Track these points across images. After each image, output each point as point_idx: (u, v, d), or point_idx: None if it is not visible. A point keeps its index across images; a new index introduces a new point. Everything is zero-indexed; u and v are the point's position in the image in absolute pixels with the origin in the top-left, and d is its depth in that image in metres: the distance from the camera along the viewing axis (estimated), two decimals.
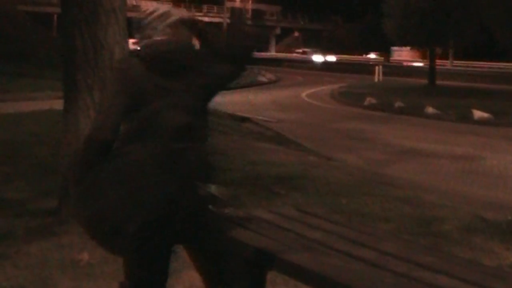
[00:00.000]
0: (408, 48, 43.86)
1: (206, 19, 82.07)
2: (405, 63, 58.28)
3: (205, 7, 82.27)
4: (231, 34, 2.97)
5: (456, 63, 55.33)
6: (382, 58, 64.96)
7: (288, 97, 26.05)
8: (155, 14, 2.84)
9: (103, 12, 5.02)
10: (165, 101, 2.65)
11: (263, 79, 37.64)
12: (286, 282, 3.86)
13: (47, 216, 5.40)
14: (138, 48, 2.83)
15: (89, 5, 5.01)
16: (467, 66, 53.12)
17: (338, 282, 2.71)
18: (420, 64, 53.44)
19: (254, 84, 33.44)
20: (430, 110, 20.33)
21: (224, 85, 2.87)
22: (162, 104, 2.65)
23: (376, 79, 40.59)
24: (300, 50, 80.00)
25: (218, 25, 66.81)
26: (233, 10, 3.02)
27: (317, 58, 67.62)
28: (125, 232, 2.56)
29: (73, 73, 5.10)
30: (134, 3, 73.47)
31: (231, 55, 2.84)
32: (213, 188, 2.88)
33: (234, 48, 2.86)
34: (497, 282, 2.77)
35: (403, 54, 65.27)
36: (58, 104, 5.37)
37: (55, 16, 58.66)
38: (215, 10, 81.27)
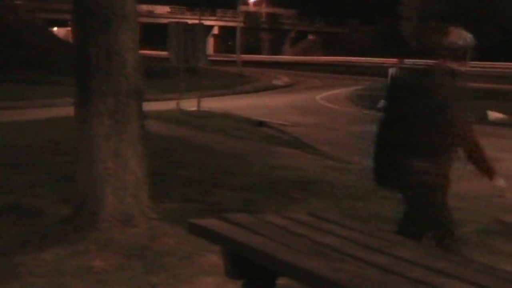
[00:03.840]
0: None
1: (220, 23, 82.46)
2: None
3: (219, 11, 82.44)
4: None
5: (472, 64, 54.75)
6: None
7: (304, 100, 25.99)
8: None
9: (115, 19, 5.02)
10: None
11: (279, 82, 37.64)
12: None
13: (63, 223, 5.42)
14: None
15: (102, 12, 5.02)
16: (484, 67, 52.60)
17: None
18: None
19: (270, 88, 33.47)
20: None
21: None
22: None
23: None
24: None
25: (232, 29, 66.91)
26: None
27: None
28: None
29: (86, 80, 5.11)
30: (150, 8, 73.86)
31: None
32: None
33: None
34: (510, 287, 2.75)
35: None
36: None
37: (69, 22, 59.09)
38: (230, 15, 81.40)
